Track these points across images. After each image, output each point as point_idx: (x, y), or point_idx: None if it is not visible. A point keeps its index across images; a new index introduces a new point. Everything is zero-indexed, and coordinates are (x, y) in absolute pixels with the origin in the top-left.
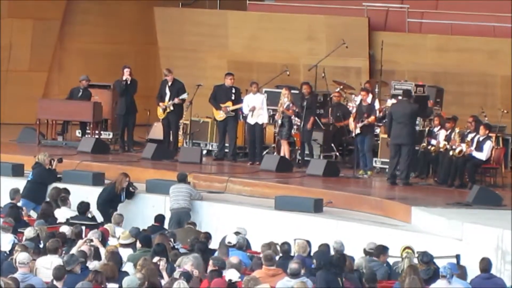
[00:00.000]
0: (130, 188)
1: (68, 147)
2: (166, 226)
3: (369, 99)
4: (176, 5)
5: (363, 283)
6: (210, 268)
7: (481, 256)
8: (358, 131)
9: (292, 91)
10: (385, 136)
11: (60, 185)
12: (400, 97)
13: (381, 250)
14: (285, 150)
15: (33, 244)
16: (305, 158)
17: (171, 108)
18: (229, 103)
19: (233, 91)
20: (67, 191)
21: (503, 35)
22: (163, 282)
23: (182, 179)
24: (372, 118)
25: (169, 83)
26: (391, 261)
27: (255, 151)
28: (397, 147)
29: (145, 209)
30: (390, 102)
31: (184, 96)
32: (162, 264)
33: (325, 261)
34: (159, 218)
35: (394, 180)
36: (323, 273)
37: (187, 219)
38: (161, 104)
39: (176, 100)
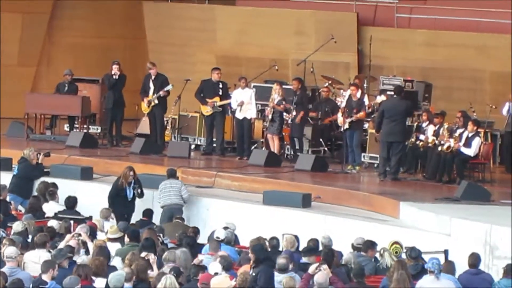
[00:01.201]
0: (135, 192)
1: (57, 141)
2: (154, 220)
3: (358, 94)
4: None
5: (351, 278)
6: (213, 266)
7: (469, 252)
8: (347, 126)
9: (284, 86)
10: (374, 131)
11: (48, 180)
12: (388, 93)
13: (369, 245)
14: (275, 145)
15: (21, 238)
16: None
17: (156, 101)
18: (216, 98)
19: (220, 86)
20: (55, 186)
21: (492, 31)
22: (152, 274)
23: (172, 174)
24: (361, 113)
25: (153, 77)
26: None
27: (244, 146)
28: (389, 144)
29: None
30: (380, 98)
31: (169, 87)
32: (152, 257)
33: (264, 255)
34: (147, 213)
35: (386, 176)
36: (265, 268)
37: (179, 215)
38: (145, 99)
39: (161, 93)
